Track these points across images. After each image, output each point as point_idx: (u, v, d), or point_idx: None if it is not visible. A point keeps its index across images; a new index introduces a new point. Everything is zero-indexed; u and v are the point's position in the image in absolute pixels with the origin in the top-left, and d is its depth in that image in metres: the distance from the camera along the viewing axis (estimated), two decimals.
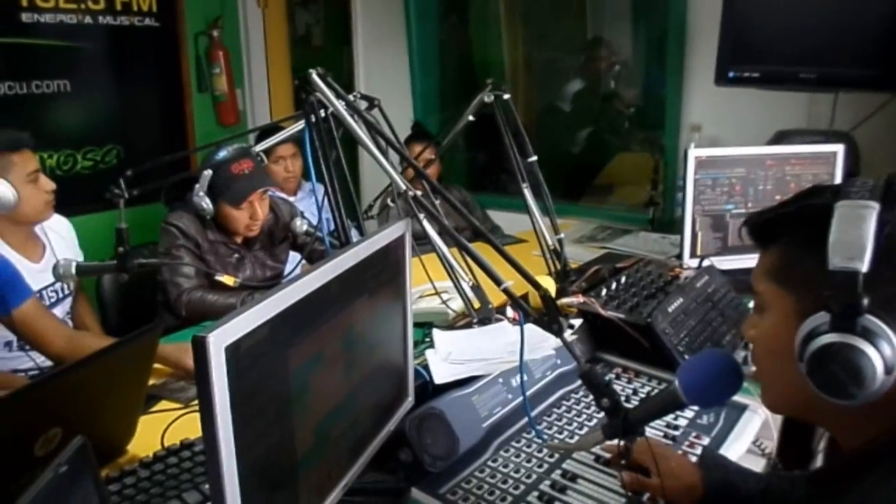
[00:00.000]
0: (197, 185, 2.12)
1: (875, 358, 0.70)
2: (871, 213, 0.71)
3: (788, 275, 0.80)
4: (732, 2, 2.76)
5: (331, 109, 1.25)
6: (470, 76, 4.54)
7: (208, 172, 2.11)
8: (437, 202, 2.97)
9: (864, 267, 0.70)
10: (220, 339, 0.72)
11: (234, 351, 0.74)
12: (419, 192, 1.17)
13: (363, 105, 1.66)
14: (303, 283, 0.88)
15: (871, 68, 2.62)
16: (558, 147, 4.54)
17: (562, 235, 2.05)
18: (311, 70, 1.25)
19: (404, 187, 1.13)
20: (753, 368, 1.59)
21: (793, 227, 0.81)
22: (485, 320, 1.66)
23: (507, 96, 1.99)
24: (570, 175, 4.33)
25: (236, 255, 2.31)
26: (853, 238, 0.71)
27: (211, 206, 2.16)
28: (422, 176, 1.23)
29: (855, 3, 2.62)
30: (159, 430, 1.38)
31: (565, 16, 4.54)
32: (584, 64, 4.45)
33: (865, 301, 0.70)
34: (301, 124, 1.39)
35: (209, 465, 0.75)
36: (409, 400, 1.27)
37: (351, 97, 1.44)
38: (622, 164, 4.07)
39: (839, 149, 2.23)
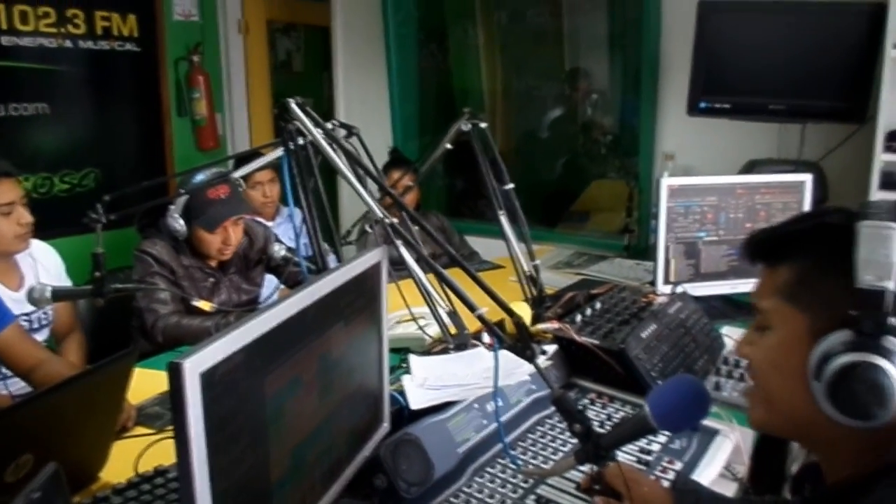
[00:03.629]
0: (172, 207, 2.12)
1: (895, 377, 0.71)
2: (890, 234, 0.72)
3: (802, 293, 0.79)
4: (704, 35, 2.84)
5: (309, 138, 1.27)
6: (449, 103, 4.60)
7: (184, 196, 2.12)
8: (416, 229, 3.00)
9: (893, 286, 0.71)
10: (195, 365, 0.72)
11: (209, 377, 0.74)
12: (395, 220, 1.19)
13: (342, 133, 1.69)
14: (279, 309, 0.89)
15: (839, 100, 2.71)
16: (536, 174, 4.61)
17: (537, 262, 2.08)
18: (289, 99, 1.27)
19: (381, 214, 1.14)
20: (725, 393, 1.62)
21: (807, 245, 0.81)
22: (461, 346, 1.67)
23: (483, 125, 2.03)
24: (548, 201, 4.39)
25: (211, 280, 2.31)
26: (882, 258, 0.71)
27: (185, 227, 2.16)
28: (399, 205, 1.24)
29: (823, 38, 2.71)
30: (133, 456, 1.37)
31: (543, 46, 4.64)
32: (561, 93, 4.54)
33: (892, 321, 0.71)
34: (280, 151, 1.40)
35: (182, 492, 0.75)
36: (385, 426, 1.28)
37: (329, 125, 1.46)
38: (598, 191, 4.13)
39: (807, 178, 2.29)
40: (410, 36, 4.14)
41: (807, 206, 2.24)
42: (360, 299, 1.12)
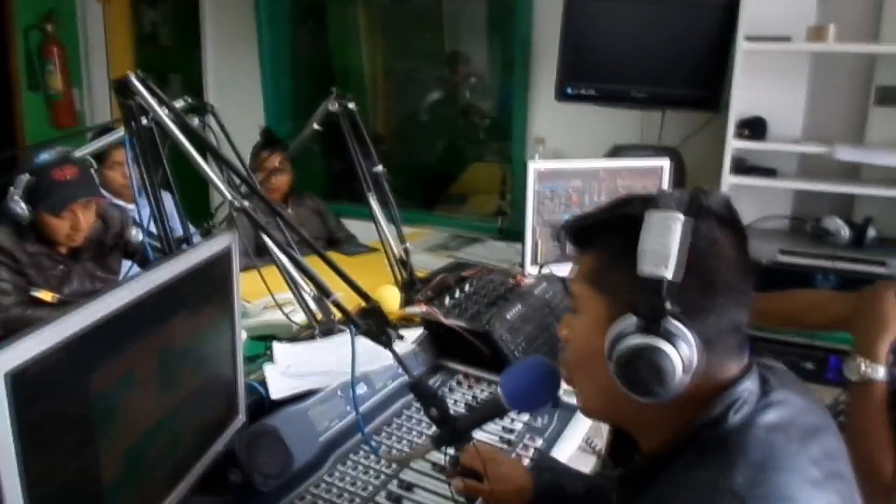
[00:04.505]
0: (12, 189, 1.94)
1: (676, 358, 0.75)
2: (677, 224, 0.76)
3: (601, 279, 0.83)
4: (570, 23, 2.92)
5: (151, 115, 1.19)
6: (328, 83, 4.49)
7: (26, 176, 1.94)
8: (289, 210, 2.91)
9: (670, 274, 0.75)
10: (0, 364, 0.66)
11: (18, 378, 0.68)
12: (247, 203, 1.14)
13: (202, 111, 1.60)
14: (109, 298, 0.82)
15: (696, 89, 2.87)
16: (416, 156, 4.60)
17: (407, 245, 2.07)
18: (129, 72, 1.18)
19: (230, 198, 1.09)
20: None
21: (607, 233, 0.84)
22: (327, 332, 1.64)
23: (352, 105, 1.99)
24: (426, 183, 4.40)
25: (61, 267, 2.14)
26: (660, 247, 0.76)
27: (27, 211, 1.99)
28: (252, 191, 1.19)
29: (682, 29, 2.85)
30: None
31: (424, 28, 4.62)
32: (441, 76, 4.55)
33: (669, 306, 0.75)
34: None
35: None
36: (240, 418, 1.23)
37: (180, 102, 1.38)
38: (475, 174, 4.19)
39: (665, 163, 2.40)
40: (284, 12, 4.01)
41: (664, 189, 2.36)
42: (208, 286, 1.06)
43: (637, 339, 0.77)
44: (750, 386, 0.80)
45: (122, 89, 1.19)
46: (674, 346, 0.75)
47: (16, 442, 0.68)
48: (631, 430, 0.90)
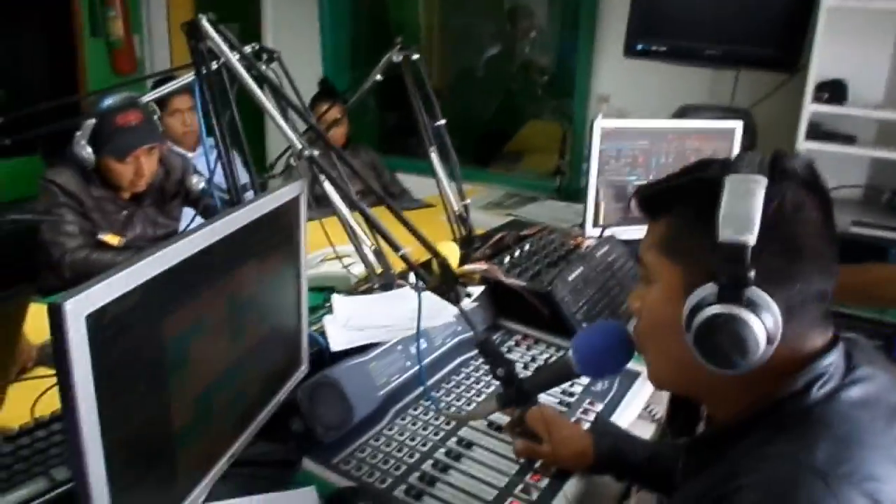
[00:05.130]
0: (78, 134, 1.97)
1: (759, 329, 0.72)
2: (760, 188, 0.72)
3: (677, 247, 0.80)
4: None
5: (223, 60, 1.17)
6: (385, 35, 4.44)
7: (91, 121, 1.96)
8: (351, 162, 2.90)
9: (753, 240, 0.71)
10: (79, 307, 0.65)
11: (97, 320, 0.67)
12: (317, 153, 1.11)
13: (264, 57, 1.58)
14: (181, 245, 0.81)
15: (773, 49, 2.73)
16: (470, 112, 4.52)
17: (468, 201, 2.03)
18: (201, 15, 1.16)
19: (300, 147, 1.06)
20: None
21: (682, 199, 0.81)
22: (387, 286, 1.62)
23: (416, 56, 1.94)
24: (481, 140, 4.33)
25: (125, 213, 2.17)
26: (742, 211, 0.72)
27: (93, 156, 2.01)
28: (322, 139, 1.16)
29: None
30: (31, 400, 1.28)
31: None
32: (500, 30, 4.43)
33: (752, 273, 0.71)
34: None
35: (70, 443, 0.69)
36: (303, 368, 1.23)
37: (248, 48, 1.35)
38: (532, 132, 4.10)
39: (737, 125, 2.29)
40: None
41: (735, 153, 2.26)
42: (276, 236, 1.05)
43: (718, 309, 0.73)
44: (835, 360, 0.76)
45: (192, 32, 1.17)
46: (757, 315, 0.72)
47: (94, 383, 0.68)
48: (704, 401, 0.87)
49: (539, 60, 4.38)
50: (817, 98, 2.58)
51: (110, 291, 0.70)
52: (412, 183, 3.31)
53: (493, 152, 4.14)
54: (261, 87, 1.22)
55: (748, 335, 0.72)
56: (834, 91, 2.58)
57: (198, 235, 0.85)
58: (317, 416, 1.14)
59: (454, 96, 4.60)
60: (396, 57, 1.93)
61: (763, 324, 0.72)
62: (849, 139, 2.63)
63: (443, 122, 2.00)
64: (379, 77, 1.97)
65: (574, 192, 3.11)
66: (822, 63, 2.55)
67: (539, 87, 4.30)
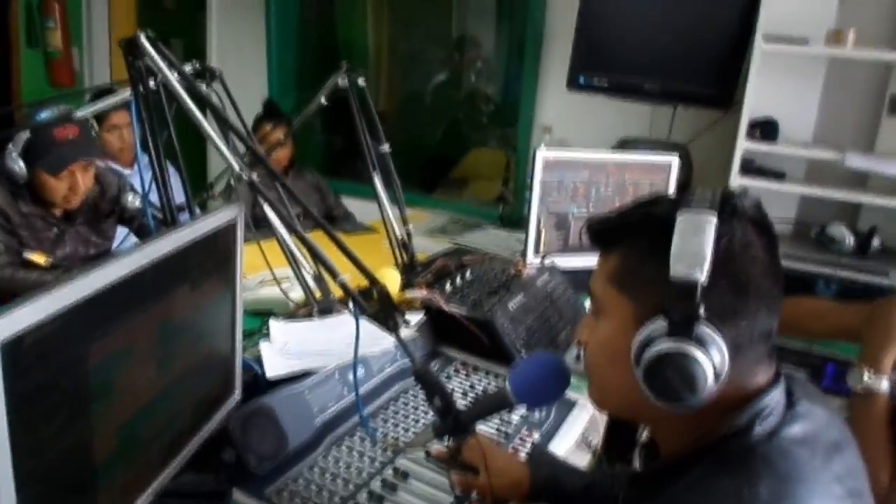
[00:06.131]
0: (10, 146, 1.89)
1: (707, 366, 0.72)
2: (710, 225, 0.73)
3: (627, 280, 0.80)
4: (586, 12, 2.87)
5: (160, 78, 1.14)
6: (333, 56, 4.43)
7: (24, 133, 1.89)
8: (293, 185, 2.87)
9: (703, 277, 0.72)
10: None
11: (13, 347, 0.64)
12: (256, 175, 1.10)
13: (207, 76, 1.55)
14: (109, 269, 0.79)
15: (709, 86, 2.83)
16: (417, 137, 4.55)
17: (410, 227, 2.03)
18: (139, 32, 1.13)
19: (238, 169, 1.05)
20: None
21: (634, 233, 0.81)
22: (325, 311, 1.60)
23: (361, 81, 1.94)
24: (427, 166, 4.35)
25: (55, 230, 2.09)
26: (693, 248, 0.73)
27: (25, 170, 1.93)
28: (259, 161, 1.15)
29: (699, 24, 2.82)
30: None
31: (432, 8, 4.55)
32: (448, 58, 4.48)
33: (702, 310, 0.72)
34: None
35: None
36: (236, 396, 1.20)
37: (188, 67, 1.33)
38: (477, 160, 4.14)
39: (674, 160, 2.37)
40: None
41: (672, 186, 2.32)
42: (211, 260, 1.02)
43: (667, 344, 0.73)
44: (777, 396, 0.77)
45: (130, 49, 1.14)
46: (705, 352, 0.72)
47: (7, 413, 0.64)
48: (651, 433, 0.87)
49: (485, 89, 4.44)
50: (750, 135, 2.68)
51: (30, 316, 0.67)
52: (357, 207, 3.29)
53: (437, 178, 4.16)
54: (202, 106, 1.20)
55: (697, 372, 0.72)
56: (765, 129, 2.69)
57: (127, 259, 0.82)
58: (249, 445, 1.11)
59: (401, 121, 4.62)
60: (342, 80, 1.93)
61: (711, 361, 0.73)
62: (778, 175, 2.74)
63: (387, 147, 2.00)
64: (324, 101, 1.96)
65: (517, 221, 3.14)
66: (755, 102, 2.65)
67: (484, 115, 4.35)
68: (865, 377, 1.29)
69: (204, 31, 4.09)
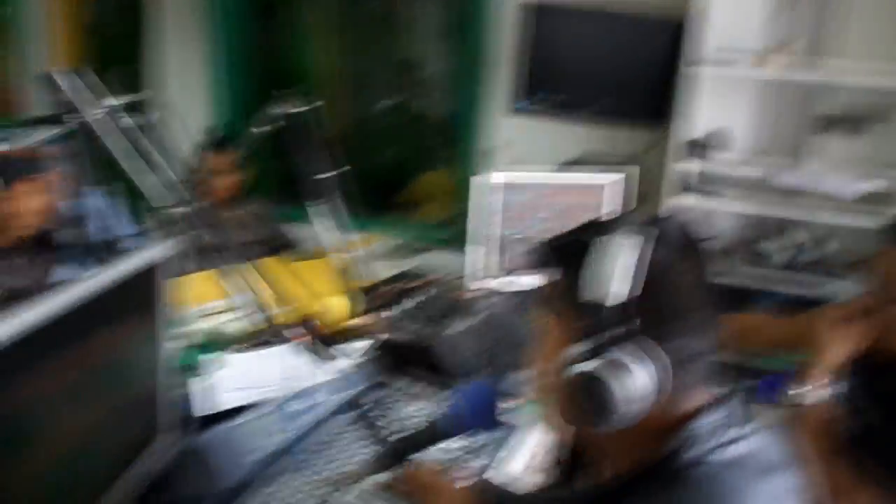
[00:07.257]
0: None
1: (618, 389, 0.73)
2: (632, 249, 0.75)
3: (559, 305, 0.81)
4: (527, 38, 2.93)
5: (80, 117, 1.11)
6: (280, 83, 4.39)
7: None
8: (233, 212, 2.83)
9: (620, 300, 0.73)
10: None
11: None
12: (189, 209, 1.08)
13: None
14: (23, 313, 0.76)
15: (646, 108, 2.91)
16: (365, 161, 4.53)
17: (359, 252, 2.02)
18: (53, 70, 1.11)
19: (172, 203, 1.03)
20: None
21: (564, 258, 0.82)
22: (267, 343, 1.58)
23: (307, 108, 1.93)
24: (375, 190, 4.34)
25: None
26: (611, 272, 0.74)
27: None
28: (195, 196, 1.13)
29: (634, 49, 2.91)
30: None
31: (380, 32, 4.57)
32: (395, 81, 4.50)
33: (621, 333, 0.73)
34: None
35: None
36: (165, 436, 1.16)
37: (123, 99, 1.30)
38: (426, 183, 4.15)
39: (617, 179, 2.39)
40: (236, 8, 3.91)
41: (607, 208, 2.35)
42: (138, 298, 1.00)
43: (581, 367, 0.74)
44: (711, 419, 0.78)
45: (48, 84, 1.12)
46: (618, 375, 0.73)
47: None
48: (597, 455, 0.87)
49: (432, 112, 4.47)
50: (687, 154, 2.75)
51: None
52: (308, 233, 3.25)
53: (385, 202, 4.15)
54: (137, 138, 1.18)
55: (606, 395, 0.73)
56: (699, 148, 2.77)
57: (46, 303, 0.80)
58: (178, 487, 1.08)
59: (348, 145, 4.61)
60: (285, 108, 1.92)
61: (624, 384, 0.73)
62: (713, 194, 2.81)
63: (334, 173, 1.99)
64: (267, 128, 1.94)
65: (464, 243, 3.15)
66: (688, 122, 2.73)
67: (430, 138, 4.38)
68: (795, 389, 1.33)
69: (147, 58, 4.03)
